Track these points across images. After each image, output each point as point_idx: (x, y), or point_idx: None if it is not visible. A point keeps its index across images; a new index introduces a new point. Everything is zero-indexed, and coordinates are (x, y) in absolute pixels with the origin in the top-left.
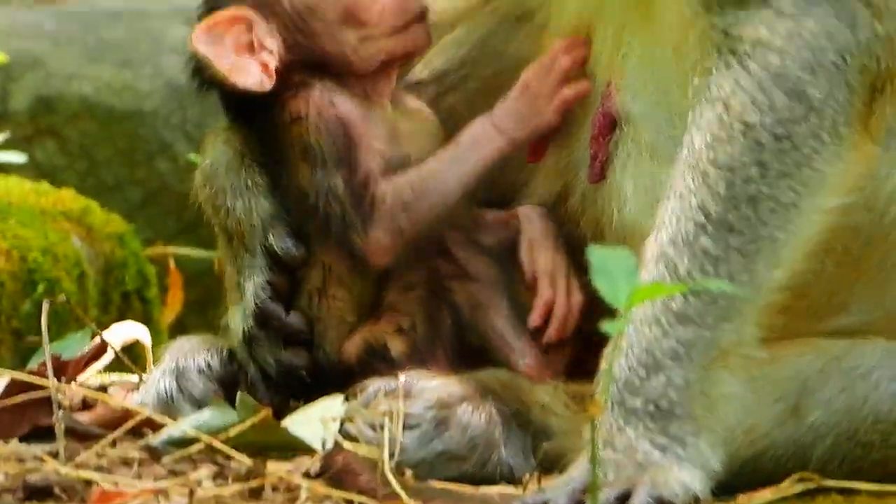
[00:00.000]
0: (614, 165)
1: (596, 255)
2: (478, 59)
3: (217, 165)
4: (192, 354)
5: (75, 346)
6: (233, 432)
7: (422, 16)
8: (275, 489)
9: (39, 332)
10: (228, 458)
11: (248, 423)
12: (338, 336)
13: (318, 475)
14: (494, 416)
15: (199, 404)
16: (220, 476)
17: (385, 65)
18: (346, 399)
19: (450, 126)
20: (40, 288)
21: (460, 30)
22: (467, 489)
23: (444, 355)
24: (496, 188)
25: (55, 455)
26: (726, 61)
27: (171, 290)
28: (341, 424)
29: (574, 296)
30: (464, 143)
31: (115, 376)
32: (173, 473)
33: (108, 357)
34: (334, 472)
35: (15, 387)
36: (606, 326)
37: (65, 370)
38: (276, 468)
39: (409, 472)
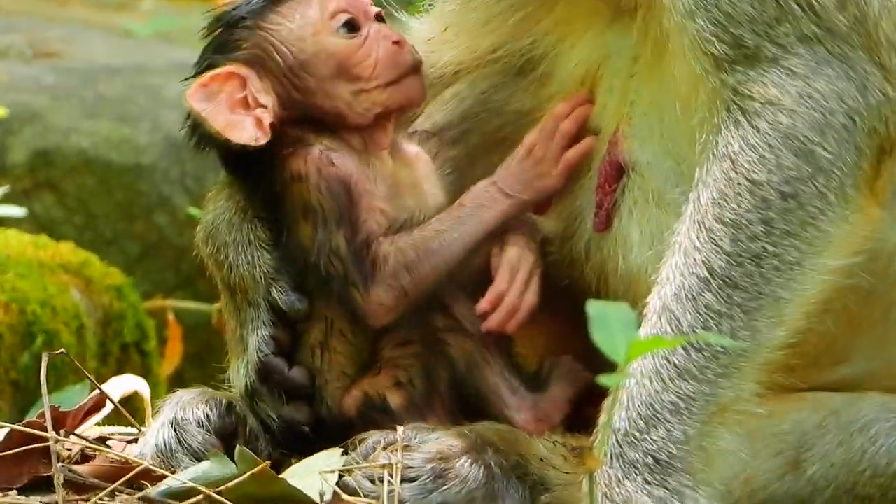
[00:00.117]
0: (621, 212)
1: (595, 308)
2: (479, 114)
3: (219, 221)
4: (191, 407)
5: (74, 397)
6: (232, 484)
7: (415, 69)
8: None
9: (38, 384)
10: None
11: (247, 475)
12: (338, 390)
13: None
14: (493, 468)
15: (197, 456)
16: None
17: (380, 117)
18: (345, 452)
19: (451, 180)
20: (39, 340)
21: (462, 84)
22: None
23: (443, 408)
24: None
25: None
26: (735, 119)
27: (170, 342)
28: (340, 477)
29: (529, 295)
30: (468, 205)
31: (113, 428)
32: None
33: (106, 409)
34: None
35: (14, 438)
36: (604, 379)
37: (64, 422)
38: None
39: None
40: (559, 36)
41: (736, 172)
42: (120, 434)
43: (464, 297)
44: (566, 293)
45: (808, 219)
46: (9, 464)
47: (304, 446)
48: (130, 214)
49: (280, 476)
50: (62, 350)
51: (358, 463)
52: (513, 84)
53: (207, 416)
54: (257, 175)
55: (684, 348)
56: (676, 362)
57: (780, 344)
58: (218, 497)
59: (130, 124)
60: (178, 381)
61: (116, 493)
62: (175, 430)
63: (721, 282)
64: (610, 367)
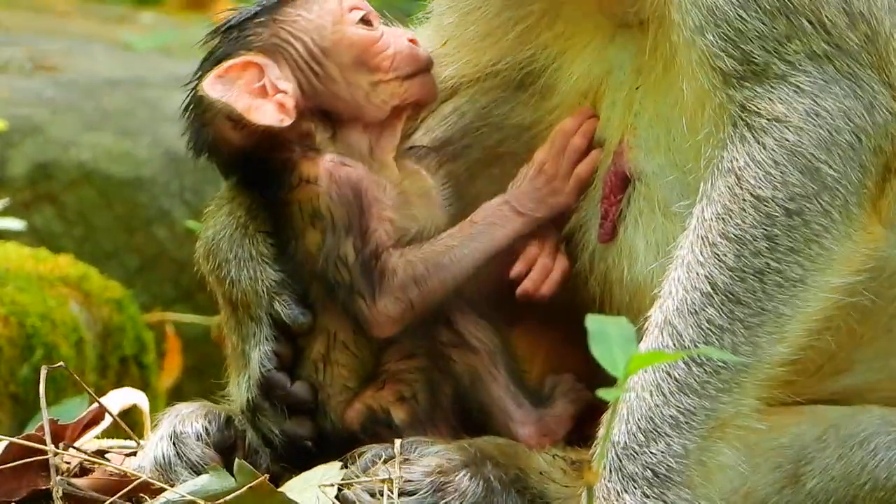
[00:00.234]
0: (626, 223)
1: (594, 322)
2: (480, 129)
3: (220, 237)
4: (190, 420)
5: (73, 411)
6: (230, 498)
7: (429, 67)
8: None
9: (37, 397)
10: None
11: (246, 488)
12: (341, 403)
13: None
14: (493, 482)
15: (196, 470)
16: None
17: (395, 112)
18: (344, 465)
19: (452, 195)
20: (38, 353)
21: (462, 98)
22: None
23: (446, 423)
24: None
25: None
26: (742, 135)
27: (169, 355)
28: (339, 490)
29: (561, 258)
30: (479, 222)
31: (112, 441)
32: None
33: (105, 422)
34: None
35: (13, 451)
36: (604, 393)
37: (63, 435)
38: None
39: None
40: (560, 49)
41: (741, 188)
42: (119, 447)
43: (469, 312)
44: (569, 305)
45: (812, 236)
46: (8, 477)
47: (307, 461)
48: (130, 227)
49: (279, 490)
50: (61, 363)
51: (357, 476)
52: (513, 98)
53: (206, 429)
54: (263, 182)
55: (685, 363)
56: (677, 376)
57: (781, 360)
58: None
59: (130, 138)
60: (178, 394)
61: None
62: (174, 444)
63: (724, 297)
64: (611, 380)
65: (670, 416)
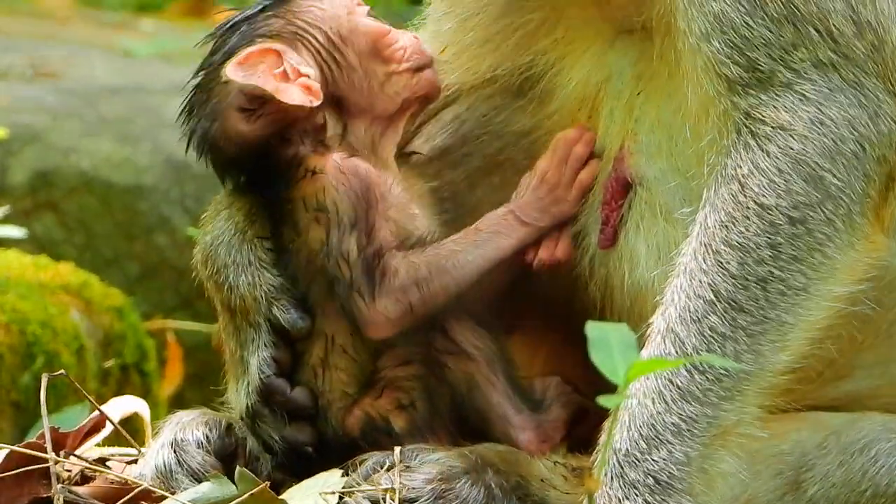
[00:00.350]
0: (627, 227)
1: (594, 329)
2: (480, 137)
3: (218, 243)
4: (191, 427)
5: (74, 418)
6: None
7: (432, 62)
8: None
9: (38, 405)
10: None
11: (247, 496)
12: (341, 409)
13: None
14: (494, 489)
15: (197, 477)
16: None
17: (403, 107)
18: (345, 473)
19: (452, 203)
20: (39, 361)
21: (461, 106)
22: None
23: (444, 430)
24: None
25: None
26: (746, 142)
27: (170, 363)
28: (340, 498)
29: (565, 230)
30: (485, 229)
31: (113, 449)
32: None
33: (106, 430)
34: None
35: (14, 459)
36: (604, 400)
37: (63, 443)
38: None
39: None
40: (559, 54)
41: (744, 196)
42: (120, 455)
43: (465, 318)
44: (569, 311)
45: (815, 244)
46: (9, 485)
47: (307, 467)
48: (130, 235)
49: (279, 497)
50: (62, 371)
51: (358, 484)
52: (513, 105)
53: (207, 436)
54: (266, 180)
55: (688, 370)
56: (679, 384)
57: (783, 368)
58: None
59: (131, 145)
60: (179, 401)
61: None
62: (175, 451)
63: (726, 304)
64: (612, 387)
65: (672, 423)
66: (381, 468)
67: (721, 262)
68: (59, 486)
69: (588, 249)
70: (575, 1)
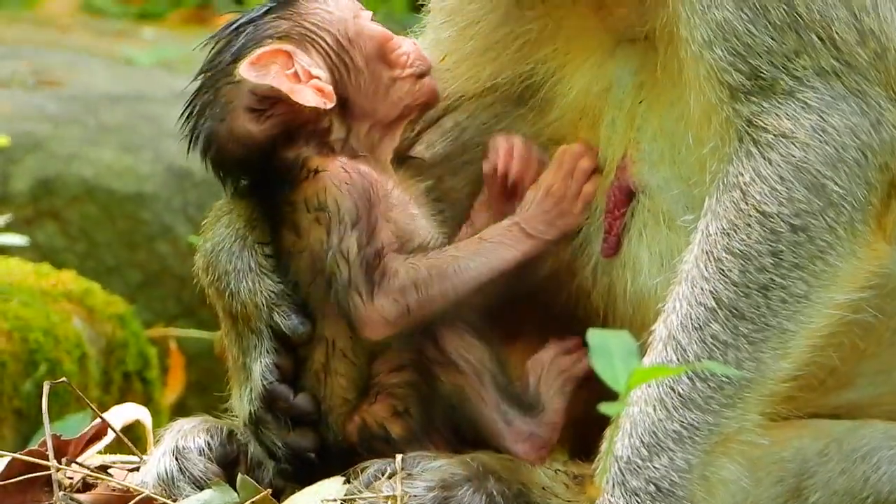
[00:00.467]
0: (630, 235)
1: (595, 337)
2: (480, 144)
3: (218, 250)
4: (193, 435)
5: (76, 426)
6: None
7: (430, 69)
8: None
9: (41, 413)
10: None
11: (249, 503)
12: (341, 416)
13: None
14: (496, 497)
15: (199, 485)
16: None
17: (403, 113)
18: (347, 480)
19: (452, 209)
20: (41, 368)
21: (462, 113)
22: None
23: (441, 438)
24: None
25: None
26: (747, 150)
27: (172, 370)
28: None
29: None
30: (489, 239)
31: (115, 457)
32: None
33: (108, 438)
34: None
35: (16, 467)
36: (606, 408)
37: (65, 450)
38: None
39: None
40: (560, 63)
41: (746, 203)
42: (122, 462)
43: (457, 328)
44: (571, 319)
45: (816, 252)
46: (11, 492)
47: (310, 473)
48: (132, 243)
49: None
50: (64, 378)
51: (360, 492)
52: (513, 113)
53: (209, 444)
54: (268, 183)
55: (689, 377)
56: (681, 391)
57: (784, 376)
58: None
59: (132, 153)
60: (181, 409)
61: None
62: (176, 459)
63: (728, 312)
64: (614, 394)
65: (674, 430)
66: (383, 476)
67: (723, 270)
68: (61, 493)
69: (591, 258)
70: (576, 11)
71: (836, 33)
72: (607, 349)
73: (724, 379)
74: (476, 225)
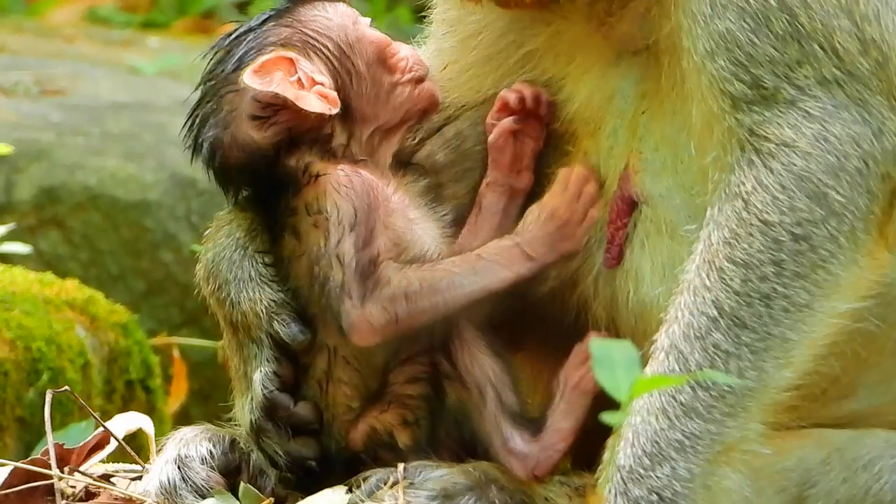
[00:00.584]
0: (632, 245)
1: (597, 346)
2: (482, 152)
3: (219, 259)
4: (195, 443)
5: (79, 435)
6: None
7: (427, 74)
8: None
9: (43, 421)
10: None
11: None
12: (344, 423)
13: None
14: None
15: (201, 493)
16: None
17: (403, 119)
18: (349, 489)
19: (454, 217)
20: (44, 377)
21: (464, 122)
22: None
23: (448, 449)
24: None
25: None
26: (749, 159)
27: (175, 379)
28: None
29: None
30: (486, 257)
31: (118, 465)
32: None
33: (111, 446)
34: None
35: (18, 475)
36: (608, 417)
37: (68, 459)
38: None
39: None
40: (562, 73)
41: (748, 213)
42: (124, 471)
43: (470, 341)
44: (573, 328)
45: (818, 261)
46: (13, 501)
47: (312, 482)
48: (136, 251)
49: None
50: (67, 387)
51: (362, 501)
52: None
53: (211, 452)
54: (270, 190)
55: (691, 387)
56: (683, 401)
57: (787, 385)
58: None
59: (136, 161)
60: (184, 417)
61: None
62: (179, 467)
63: (730, 321)
64: (616, 404)
65: (676, 440)
66: (385, 485)
67: (725, 279)
68: (64, 502)
69: (593, 268)
70: (578, 25)
71: (838, 43)
72: (610, 359)
73: (726, 388)
74: (483, 206)
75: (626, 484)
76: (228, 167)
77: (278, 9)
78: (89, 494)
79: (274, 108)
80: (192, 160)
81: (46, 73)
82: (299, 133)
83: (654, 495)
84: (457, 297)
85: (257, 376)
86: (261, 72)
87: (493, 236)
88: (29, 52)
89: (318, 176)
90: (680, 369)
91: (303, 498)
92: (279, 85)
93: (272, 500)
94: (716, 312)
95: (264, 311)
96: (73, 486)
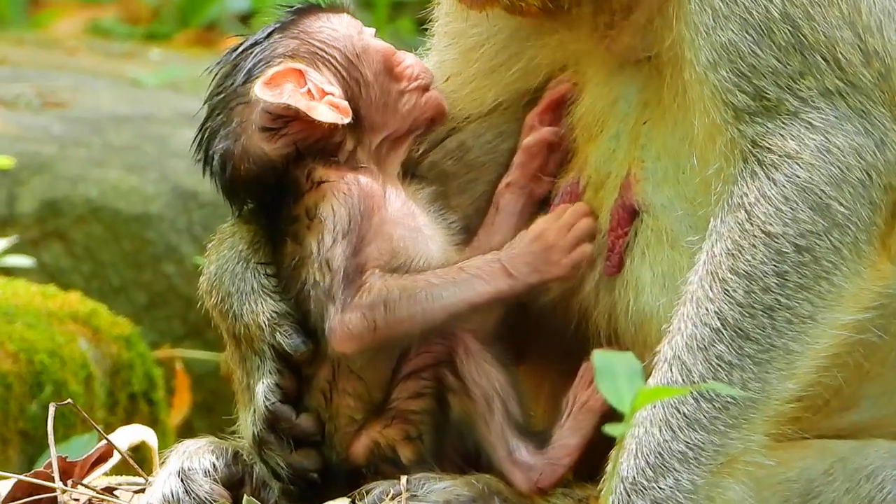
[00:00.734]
0: (633, 254)
1: (600, 358)
2: (485, 164)
3: (222, 272)
4: (198, 456)
5: (82, 447)
6: None
7: (432, 82)
8: None
9: (46, 434)
10: None
11: None
12: (346, 435)
13: None
14: None
15: None
16: None
17: (411, 127)
18: (353, 502)
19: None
20: (47, 390)
21: (466, 133)
22: None
23: (451, 463)
24: None
25: None
26: (752, 170)
27: (178, 392)
28: None
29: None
30: (468, 271)
31: (121, 478)
32: None
33: (114, 459)
34: None
35: (21, 488)
36: (611, 429)
37: (71, 472)
38: None
39: None
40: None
41: (751, 224)
42: (127, 484)
43: (475, 354)
44: (573, 338)
45: (822, 273)
46: None
47: (314, 493)
48: (138, 264)
49: None
50: (69, 400)
51: None
52: (518, 133)
53: (214, 465)
54: (275, 200)
55: (694, 398)
56: (686, 412)
57: (790, 396)
58: None
59: (138, 173)
60: (187, 430)
61: None
62: (182, 480)
63: (733, 333)
64: (619, 415)
65: (679, 451)
66: (388, 497)
67: (728, 291)
68: None
69: (593, 276)
70: (581, 35)
71: (841, 54)
72: (612, 370)
73: (729, 399)
74: (500, 206)
75: (629, 495)
76: (238, 179)
77: (283, 21)
78: None
79: (285, 119)
80: (203, 173)
81: (48, 86)
82: (310, 143)
83: None
84: (436, 308)
85: (260, 388)
86: (271, 84)
87: (510, 237)
88: (31, 64)
89: (320, 182)
90: (683, 380)
91: None
92: (290, 96)
93: None
94: (719, 324)
95: (266, 322)
96: (77, 500)
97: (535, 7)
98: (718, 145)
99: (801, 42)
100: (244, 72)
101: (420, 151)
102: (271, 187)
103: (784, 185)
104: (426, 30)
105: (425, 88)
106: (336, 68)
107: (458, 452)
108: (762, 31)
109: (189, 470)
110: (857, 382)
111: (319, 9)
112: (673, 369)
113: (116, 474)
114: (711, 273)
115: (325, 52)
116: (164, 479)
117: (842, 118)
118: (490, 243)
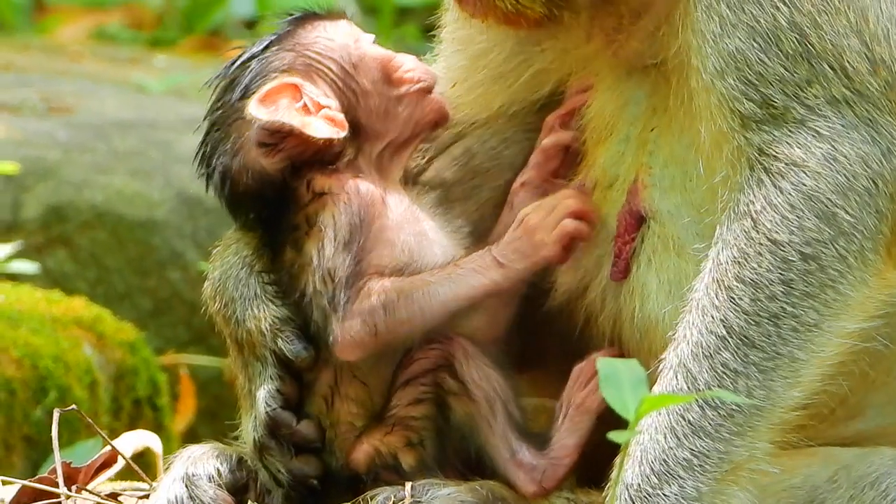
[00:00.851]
0: (639, 261)
1: (604, 365)
2: (490, 170)
3: (226, 277)
4: (202, 462)
5: (86, 453)
6: None
7: (434, 84)
8: None
9: (51, 440)
10: None
11: None
12: (347, 442)
13: None
14: None
15: None
16: None
17: (413, 132)
18: None
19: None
20: (51, 395)
21: (472, 139)
22: None
23: (453, 468)
24: None
25: None
26: (759, 178)
27: (182, 397)
28: None
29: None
30: (462, 267)
31: (126, 484)
32: None
33: (118, 465)
34: None
35: (26, 494)
36: (615, 436)
37: (76, 478)
38: None
39: None
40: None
41: (757, 232)
42: (132, 490)
43: (475, 357)
44: (578, 345)
45: (828, 281)
46: None
47: (316, 499)
48: (143, 269)
49: None
50: (74, 405)
51: None
52: (523, 138)
53: (218, 470)
54: (275, 212)
55: (699, 405)
56: (691, 419)
57: (795, 404)
58: None
59: (143, 179)
60: (191, 436)
61: None
62: (186, 486)
63: (738, 340)
64: (624, 422)
65: (684, 458)
66: (391, 503)
67: (733, 298)
68: None
69: (599, 282)
70: (588, 44)
71: (848, 62)
72: (616, 377)
73: (734, 407)
74: (515, 205)
75: (633, 502)
76: (239, 193)
77: (279, 33)
78: None
79: (281, 135)
80: (206, 188)
81: (53, 92)
82: (307, 157)
83: None
84: (433, 307)
85: (261, 394)
86: (266, 101)
87: None
88: (36, 69)
89: (321, 193)
90: (688, 388)
91: None
92: (285, 113)
93: None
94: (724, 331)
95: (268, 328)
96: None
97: (532, 19)
98: (725, 153)
99: (809, 50)
100: (241, 87)
101: (426, 158)
102: (272, 200)
103: (790, 194)
104: (432, 36)
105: (427, 91)
106: (332, 80)
107: (460, 458)
108: (769, 39)
109: (193, 475)
110: (863, 391)
111: (317, 17)
112: (678, 377)
113: (121, 480)
114: (717, 281)
115: (321, 64)
116: (168, 485)
117: (848, 126)
118: None
